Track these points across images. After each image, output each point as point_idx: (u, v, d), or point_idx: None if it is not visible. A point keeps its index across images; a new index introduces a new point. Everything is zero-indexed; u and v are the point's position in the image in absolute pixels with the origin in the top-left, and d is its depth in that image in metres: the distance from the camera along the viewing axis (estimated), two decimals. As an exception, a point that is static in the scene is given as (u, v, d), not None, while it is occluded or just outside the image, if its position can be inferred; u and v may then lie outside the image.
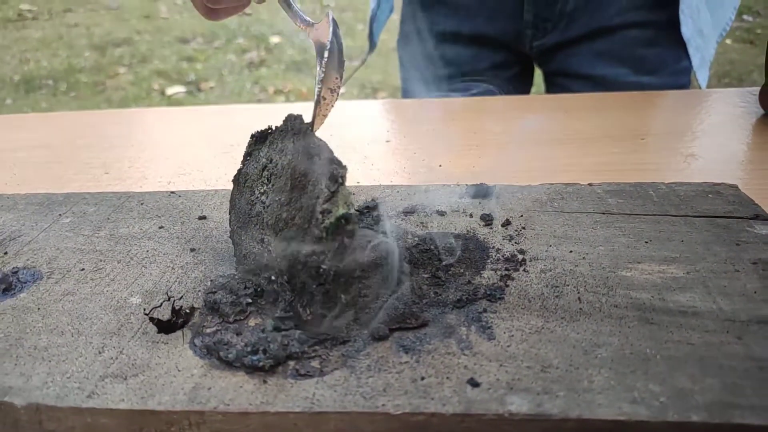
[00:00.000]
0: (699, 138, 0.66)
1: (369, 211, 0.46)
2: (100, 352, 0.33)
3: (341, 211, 0.33)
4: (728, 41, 3.31)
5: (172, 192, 0.52)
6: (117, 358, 0.33)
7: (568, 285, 0.37)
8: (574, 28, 0.86)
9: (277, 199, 0.38)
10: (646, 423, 0.27)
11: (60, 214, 0.49)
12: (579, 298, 0.36)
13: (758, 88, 0.72)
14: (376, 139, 0.70)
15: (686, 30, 0.82)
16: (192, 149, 0.69)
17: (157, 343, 0.34)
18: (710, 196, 0.47)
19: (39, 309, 0.37)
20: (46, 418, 0.30)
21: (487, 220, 0.45)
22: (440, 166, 0.62)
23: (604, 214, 0.45)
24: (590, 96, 0.81)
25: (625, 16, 0.85)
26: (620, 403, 0.28)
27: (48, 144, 0.73)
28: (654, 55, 0.86)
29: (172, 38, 3.77)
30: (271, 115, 0.79)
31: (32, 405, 0.30)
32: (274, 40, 3.66)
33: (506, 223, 0.44)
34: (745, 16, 3.66)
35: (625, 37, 0.86)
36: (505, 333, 0.33)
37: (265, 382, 0.31)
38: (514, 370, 0.30)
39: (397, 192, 0.50)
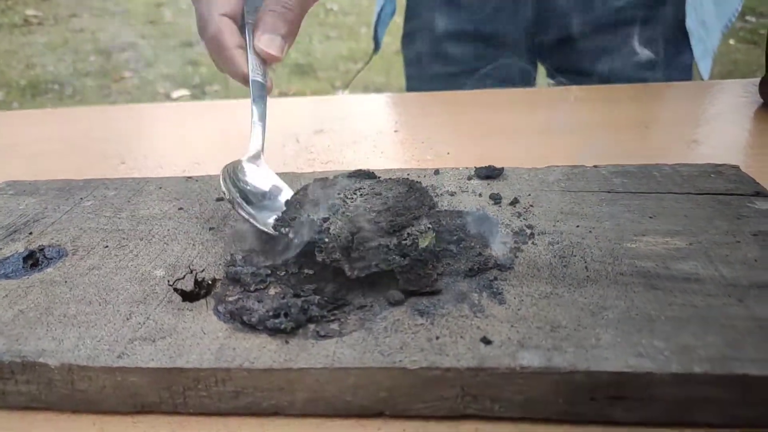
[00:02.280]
0: (701, 126, 0.68)
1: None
2: (127, 319, 0.35)
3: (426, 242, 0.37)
4: (732, 41, 3.33)
5: (189, 177, 0.54)
6: (145, 323, 0.34)
7: (575, 256, 0.38)
8: (576, 24, 0.88)
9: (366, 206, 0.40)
10: (651, 374, 0.28)
11: (81, 198, 0.51)
12: (586, 267, 0.37)
13: (758, 79, 0.74)
14: (384, 131, 0.71)
15: (690, 22, 0.83)
16: (205, 142, 0.71)
17: (182, 310, 0.35)
18: (712, 176, 0.48)
19: (66, 282, 0.39)
20: (78, 377, 0.32)
21: (496, 198, 0.46)
22: (448, 153, 0.63)
23: (609, 192, 0.46)
24: (594, 88, 0.82)
25: (628, 11, 0.86)
26: (626, 357, 0.29)
27: (64, 137, 0.75)
28: (657, 50, 0.88)
29: (176, 42, 3.81)
30: (278, 110, 0.81)
31: (65, 365, 0.32)
32: (278, 43, 3.69)
33: (514, 202, 0.46)
34: (748, 17, 3.68)
35: (628, 33, 0.88)
36: (515, 298, 0.35)
37: (287, 342, 0.32)
38: (524, 330, 0.32)
39: (407, 174, 0.52)
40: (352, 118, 0.75)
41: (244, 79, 0.47)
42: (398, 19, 1.01)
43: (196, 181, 0.53)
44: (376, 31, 0.99)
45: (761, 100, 0.73)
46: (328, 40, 3.76)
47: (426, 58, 0.98)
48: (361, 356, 0.31)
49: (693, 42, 0.84)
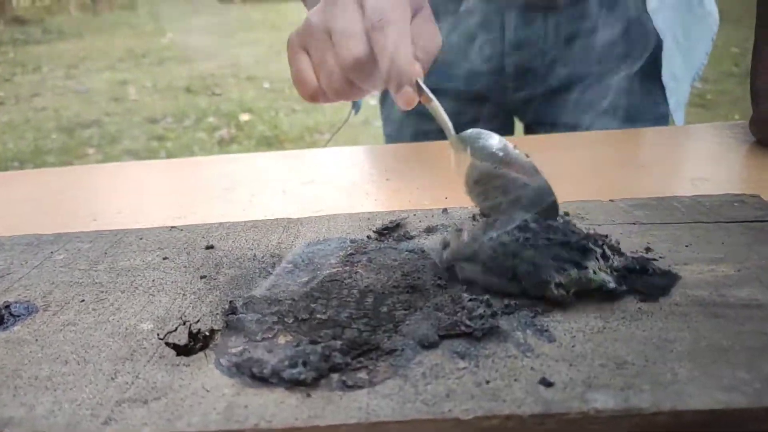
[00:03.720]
0: (701, 164, 0.66)
1: (390, 231, 0.44)
2: (113, 378, 0.29)
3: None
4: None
5: (173, 226, 0.49)
6: (133, 383, 0.29)
7: (618, 288, 0.35)
8: (554, 78, 0.88)
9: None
10: (747, 410, 0.24)
11: (52, 252, 0.45)
12: (634, 299, 0.33)
13: (742, 122, 0.74)
14: (374, 179, 0.68)
15: (664, 75, 0.84)
16: (183, 196, 0.66)
17: (178, 365, 0.30)
18: (736, 204, 0.46)
19: (37, 340, 0.33)
20: (54, 452, 0.26)
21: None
22: (446, 198, 0.60)
23: (634, 224, 0.43)
24: (579, 135, 0.81)
25: (605, 65, 0.87)
26: (712, 392, 0.25)
27: (31, 197, 0.69)
28: (634, 102, 0.88)
29: (141, 119, 3.78)
30: (249, 164, 0.77)
31: (38, 436, 0.26)
32: (244, 117, 3.71)
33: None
34: (695, 83, 3.86)
35: (606, 86, 0.88)
36: (565, 334, 0.30)
37: (308, 396, 0.27)
38: (586, 369, 0.27)
39: (414, 215, 0.48)
40: (340, 168, 0.72)
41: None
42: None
43: (181, 230, 0.48)
44: None
45: (753, 139, 0.72)
46: (294, 113, 3.79)
47: (403, 116, 0.96)
48: (401, 407, 0.26)
49: (668, 94, 0.85)
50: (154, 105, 4.01)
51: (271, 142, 3.38)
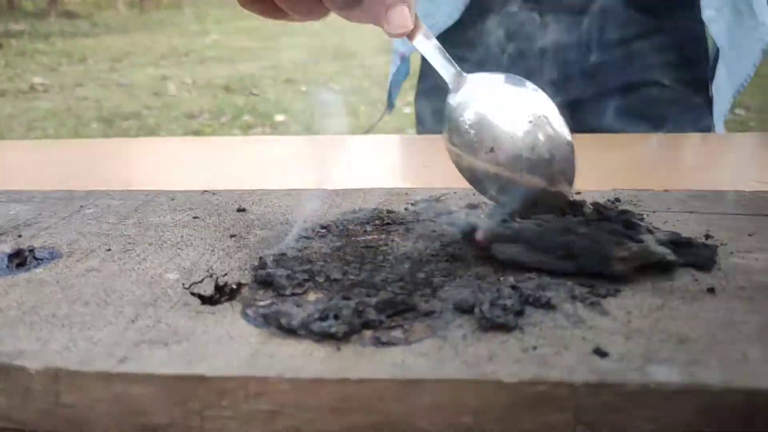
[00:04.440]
0: (760, 168, 0.63)
1: (429, 204, 0.42)
2: (133, 321, 0.28)
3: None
4: (723, 131, 3.38)
5: (206, 190, 0.47)
6: (155, 326, 0.27)
7: (675, 270, 0.32)
8: (595, 85, 0.85)
9: None
10: (832, 395, 0.22)
11: (82, 206, 0.44)
12: (696, 280, 0.31)
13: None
14: (412, 166, 0.66)
15: (713, 86, 0.80)
16: (216, 170, 0.65)
17: (202, 313, 0.28)
18: (801, 202, 0.43)
19: (58, 282, 0.32)
20: (66, 387, 0.24)
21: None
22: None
23: (692, 213, 0.40)
24: (628, 136, 0.78)
25: (648, 73, 0.84)
26: (790, 374, 0.23)
27: (67, 165, 0.69)
28: (676, 114, 0.84)
29: (179, 113, 3.83)
30: (284, 145, 0.76)
31: (50, 370, 0.24)
32: (279, 118, 3.73)
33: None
34: (737, 110, 3.76)
35: (648, 95, 0.85)
36: (620, 310, 0.28)
37: (339, 349, 0.25)
38: (644, 342, 0.25)
39: (455, 192, 0.46)
40: (378, 154, 0.70)
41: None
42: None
43: (214, 193, 0.46)
44: (390, 92, 0.97)
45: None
46: (330, 117, 3.80)
47: (439, 116, 0.95)
48: (440, 366, 0.24)
49: (714, 107, 0.81)
50: (192, 101, 4.05)
51: (304, 143, 3.38)
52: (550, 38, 0.82)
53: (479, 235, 0.34)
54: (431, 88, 0.93)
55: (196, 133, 3.48)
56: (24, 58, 5.20)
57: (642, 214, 0.38)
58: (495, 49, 0.82)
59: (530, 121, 0.35)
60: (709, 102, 0.81)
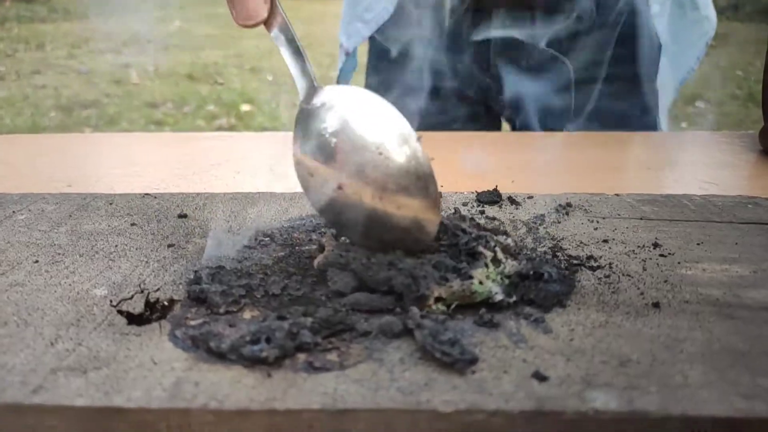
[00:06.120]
0: (709, 169, 0.63)
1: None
2: (52, 344, 0.26)
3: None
4: (684, 125, 3.44)
5: (147, 194, 0.45)
6: (75, 350, 0.25)
7: (622, 282, 0.31)
8: (540, 81, 0.84)
9: None
10: (769, 421, 0.21)
11: (14, 211, 0.42)
12: (642, 294, 0.30)
13: (752, 132, 0.71)
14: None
15: (658, 80, 0.81)
16: (163, 168, 0.63)
17: (127, 335, 0.27)
18: (750, 206, 0.43)
19: (-24, 300, 0.30)
20: (-27, 421, 0.23)
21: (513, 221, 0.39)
22: (441, 186, 0.57)
23: (641, 219, 0.40)
24: (581, 134, 0.78)
25: (593, 70, 0.83)
26: (729, 398, 0.22)
27: (6, 161, 0.66)
28: (622, 109, 0.84)
29: (141, 102, 3.74)
30: (238, 142, 0.74)
31: (-46, 402, 0.22)
32: (245, 108, 3.67)
33: (537, 222, 0.39)
34: (698, 103, 3.83)
35: (594, 91, 0.84)
36: (563, 327, 0.27)
37: (269, 376, 0.24)
38: (585, 365, 0.24)
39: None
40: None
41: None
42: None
43: (155, 197, 0.45)
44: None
45: (760, 148, 0.69)
46: (295, 107, 3.75)
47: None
48: (373, 394, 0.22)
49: (660, 101, 0.82)
50: (155, 90, 3.97)
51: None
52: (486, 34, 0.81)
53: (316, 261, 0.32)
54: (380, 84, 0.91)
55: (158, 123, 3.40)
56: (-23, 44, 5.02)
57: (509, 236, 0.35)
58: (426, 44, 0.81)
59: (380, 153, 0.31)
60: (655, 96, 0.81)
